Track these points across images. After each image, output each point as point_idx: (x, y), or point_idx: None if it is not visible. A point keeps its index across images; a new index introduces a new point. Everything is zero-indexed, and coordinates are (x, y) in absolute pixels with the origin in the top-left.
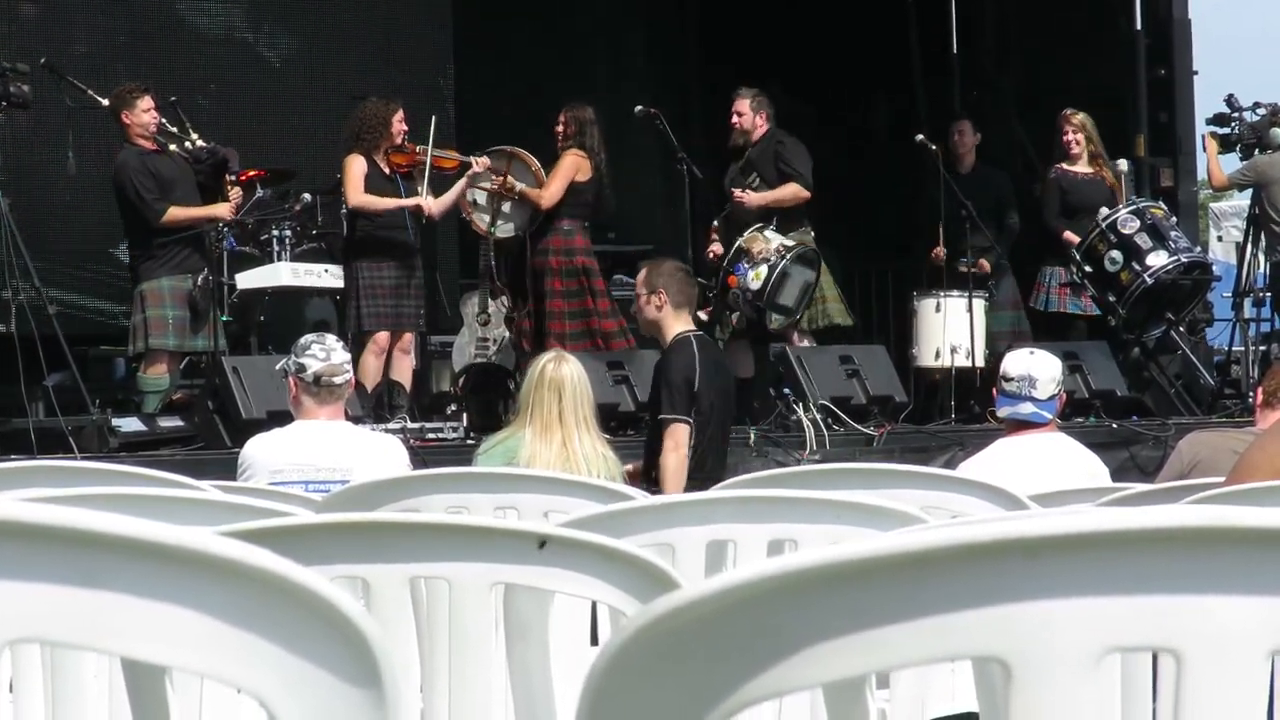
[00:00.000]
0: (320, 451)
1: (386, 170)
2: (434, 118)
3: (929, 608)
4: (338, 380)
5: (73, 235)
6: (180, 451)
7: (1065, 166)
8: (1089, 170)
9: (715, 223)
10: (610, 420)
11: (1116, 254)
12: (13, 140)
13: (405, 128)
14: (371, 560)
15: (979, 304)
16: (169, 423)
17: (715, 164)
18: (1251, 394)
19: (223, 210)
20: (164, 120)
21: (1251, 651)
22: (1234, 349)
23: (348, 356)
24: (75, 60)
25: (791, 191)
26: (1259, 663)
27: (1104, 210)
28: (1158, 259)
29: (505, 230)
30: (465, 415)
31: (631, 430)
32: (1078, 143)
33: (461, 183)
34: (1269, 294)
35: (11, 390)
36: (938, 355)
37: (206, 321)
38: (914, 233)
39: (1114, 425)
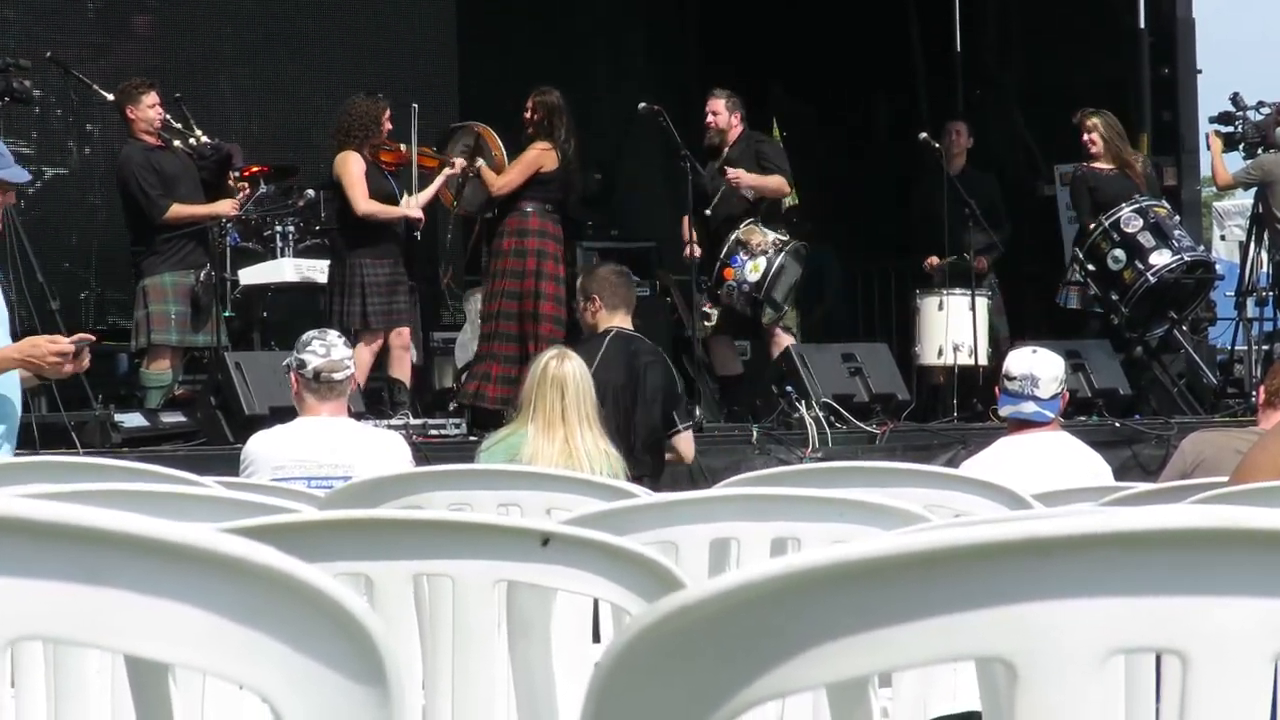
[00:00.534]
0: (323, 448)
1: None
2: (415, 106)
3: (935, 608)
4: (337, 376)
5: (76, 230)
6: (183, 447)
7: (1089, 164)
8: (1111, 166)
9: (686, 218)
10: None
11: (1120, 252)
12: (16, 134)
13: (391, 126)
14: (375, 557)
15: (981, 302)
16: (171, 418)
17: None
18: (1254, 393)
19: (225, 208)
20: (169, 116)
21: (1256, 653)
22: (1237, 348)
23: (349, 353)
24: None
25: (777, 183)
26: (1263, 664)
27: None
28: (1161, 258)
29: (468, 206)
30: (467, 412)
31: None
32: (1093, 142)
33: (439, 181)
34: (1272, 293)
35: None
36: (940, 353)
37: (209, 317)
38: (915, 231)
39: (1117, 424)
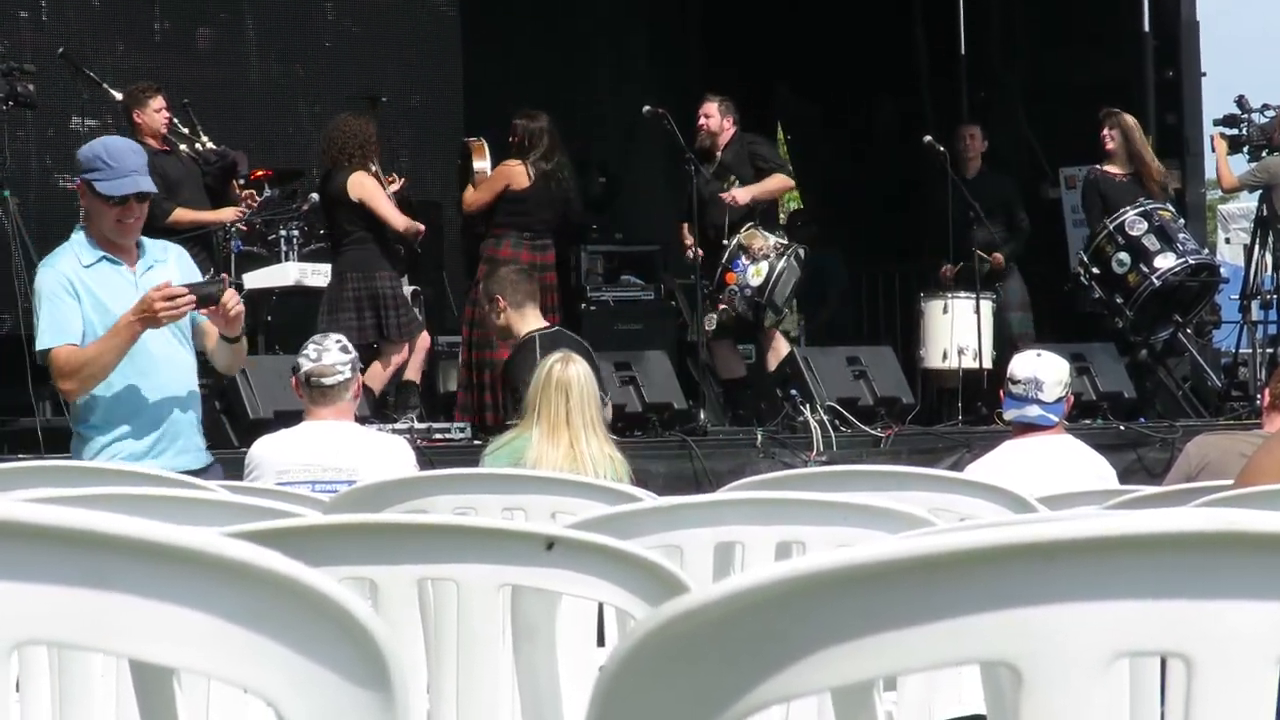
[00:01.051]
0: (326, 452)
1: None
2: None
3: (939, 612)
4: (326, 381)
5: None
6: None
7: (1101, 167)
8: (1126, 171)
9: (685, 224)
10: (618, 421)
11: (1124, 255)
12: (20, 139)
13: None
14: (379, 561)
15: (986, 305)
16: None
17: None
18: (1259, 396)
19: (229, 215)
20: (176, 120)
21: (1261, 657)
22: (1241, 351)
23: (346, 358)
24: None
25: (778, 182)
26: (1269, 668)
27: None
28: (1165, 261)
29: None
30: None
31: (639, 431)
32: (1112, 139)
33: (387, 201)
34: (1276, 296)
35: (19, 390)
36: (945, 357)
37: None
38: (920, 234)
39: (1121, 427)
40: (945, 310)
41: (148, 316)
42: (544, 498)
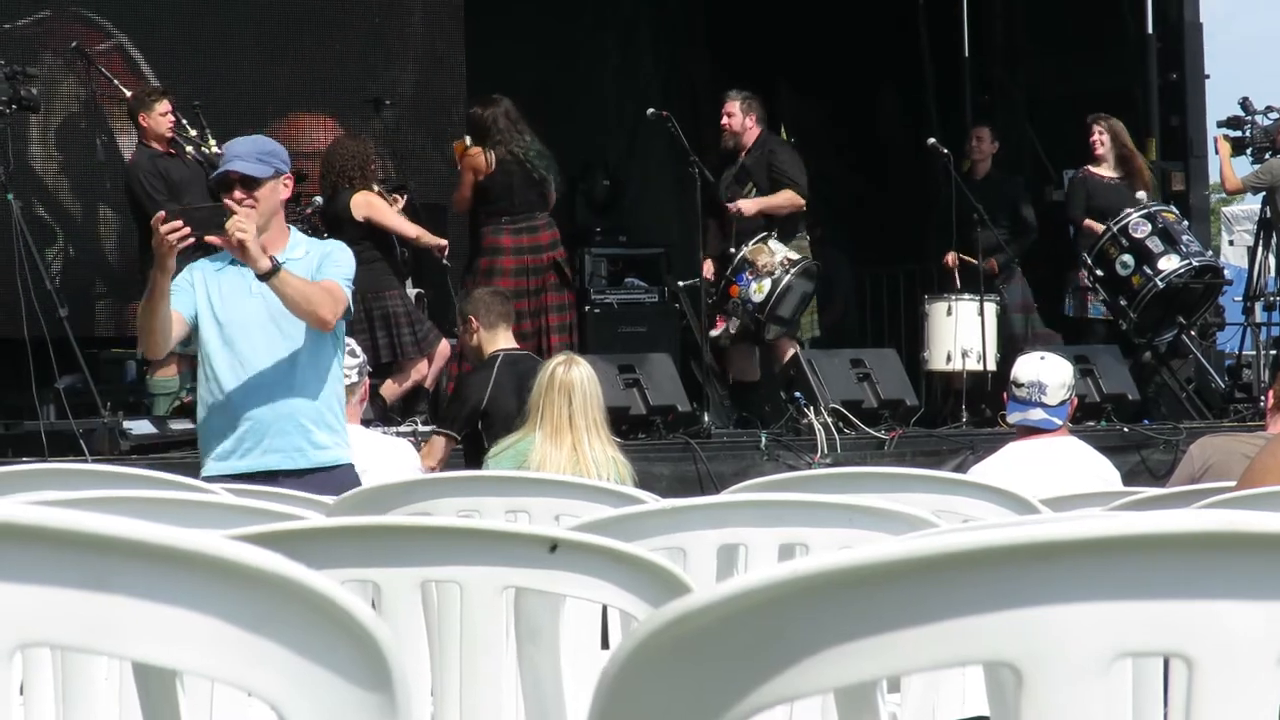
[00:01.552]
0: None
1: None
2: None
3: (942, 612)
4: None
5: (84, 236)
6: (191, 454)
7: (1091, 169)
8: (1115, 174)
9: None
10: (621, 423)
11: (1128, 258)
12: (24, 141)
13: None
14: (382, 564)
15: (990, 307)
16: (179, 425)
17: (725, 167)
18: (1262, 397)
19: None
20: (184, 122)
21: (1263, 657)
22: (1245, 353)
23: (352, 361)
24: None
25: (787, 198)
26: (1270, 668)
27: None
28: (1169, 263)
29: None
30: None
31: (643, 434)
32: (1102, 143)
33: (399, 216)
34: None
35: (23, 393)
36: (949, 359)
37: None
38: (924, 235)
39: (1125, 429)
40: (949, 312)
41: (162, 252)
42: (547, 500)
